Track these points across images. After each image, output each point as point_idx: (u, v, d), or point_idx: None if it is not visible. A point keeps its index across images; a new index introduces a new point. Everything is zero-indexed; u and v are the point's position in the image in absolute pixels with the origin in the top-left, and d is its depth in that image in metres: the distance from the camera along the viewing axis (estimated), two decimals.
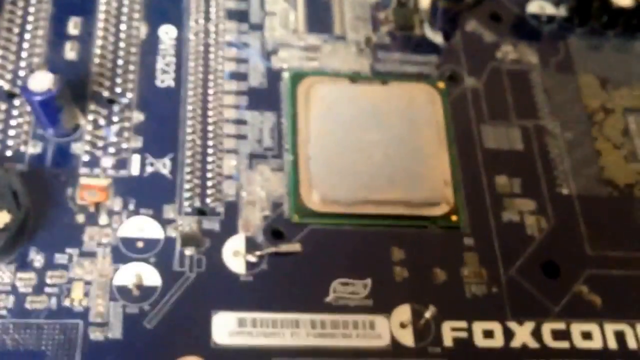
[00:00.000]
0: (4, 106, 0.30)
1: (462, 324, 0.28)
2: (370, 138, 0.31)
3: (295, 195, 0.30)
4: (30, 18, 0.32)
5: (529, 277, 0.30)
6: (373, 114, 0.32)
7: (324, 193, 0.30)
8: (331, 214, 0.30)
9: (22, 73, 0.31)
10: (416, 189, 0.30)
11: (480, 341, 0.28)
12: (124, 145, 0.30)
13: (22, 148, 0.29)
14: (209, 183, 0.30)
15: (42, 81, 0.27)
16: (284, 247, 0.29)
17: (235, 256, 0.28)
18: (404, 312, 0.28)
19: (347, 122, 0.31)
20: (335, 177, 0.30)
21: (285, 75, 0.33)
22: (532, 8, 0.38)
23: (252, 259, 0.28)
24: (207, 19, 0.34)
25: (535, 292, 0.30)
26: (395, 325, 0.28)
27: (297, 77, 0.33)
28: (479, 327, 0.28)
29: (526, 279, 0.30)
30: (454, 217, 0.30)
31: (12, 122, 0.30)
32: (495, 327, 0.29)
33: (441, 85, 0.34)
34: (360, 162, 0.30)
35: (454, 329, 0.28)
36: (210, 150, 0.30)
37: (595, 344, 0.29)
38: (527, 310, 0.29)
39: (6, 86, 0.30)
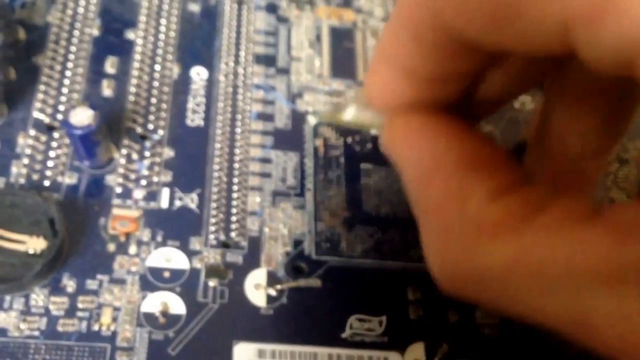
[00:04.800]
0: (44, 138, 0.31)
1: None
2: None
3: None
4: (71, 57, 0.34)
5: None
6: None
7: None
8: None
9: (61, 108, 0.32)
10: None
11: None
12: (155, 179, 0.31)
13: (59, 178, 0.30)
14: (234, 218, 0.31)
15: (83, 116, 0.29)
16: (304, 282, 0.30)
17: (256, 289, 0.29)
18: (418, 349, 0.29)
19: None
20: None
21: (311, 118, 0.34)
22: None
23: (273, 292, 0.29)
24: (237, 62, 0.36)
25: (548, 335, 0.30)
26: None
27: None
28: None
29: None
30: None
31: (51, 154, 0.31)
32: None
33: None
34: None
35: None
36: (235, 187, 0.32)
37: None
38: (540, 353, 0.30)
39: (47, 120, 0.32)
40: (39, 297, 0.27)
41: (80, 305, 0.28)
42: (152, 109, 0.33)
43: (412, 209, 0.22)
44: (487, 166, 0.20)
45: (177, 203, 0.31)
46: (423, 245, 0.21)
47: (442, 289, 0.21)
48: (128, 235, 0.29)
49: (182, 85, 0.34)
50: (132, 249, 0.29)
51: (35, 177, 0.30)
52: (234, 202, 0.31)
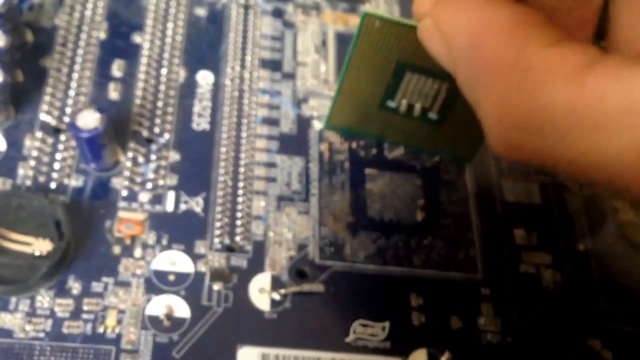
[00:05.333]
0: (50, 140, 0.31)
1: None
2: None
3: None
4: (78, 59, 0.34)
5: (543, 329, 0.31)
6: None
7: None
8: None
9: (68, 110, 0.32)
10: None
11: None
12: (160, 183, 0.31)
13: (66, 181, 0.31)
14: (239, 222, 0.31)
15: (90, 119, 0.29)
16: (307, 287, 0.30)
17: (260, 293, 0.29)
18: (420, 355, 0.29)
19: None
20: None
21: (316, 123, 0.34)
22: None
23: (277, 296, 0.29)
24: (243, 66, 0.36)
25: (548, 343, 0.30)
26: None
27: None
28: None
29: (540, 331, 0.31)
30: None
31: (57, 156, 0.31)
32: None
33: None
34: None
35: None
36: (240, 191, 0.32)
37: None
38: None
39: (53, 122, 0.32)
40: (44, 298, 0.28)
41: (85, 308, 0.28)
42: (159, 112, 0.33)
43: (463, 86, 0.22)
44: (541, 22, 0.20)
45: (183, 206, 0.31)
46: (480, 110, 0.21)
47: (501, 149, 0.20)
48: (133, 238, 0.30)
49: (188, 89, 0.34)
50: (138, 252, 0.29)
51: (41, 179, 0.30)
52: (239, 206, 0.31)
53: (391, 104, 0.31)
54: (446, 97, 0.31)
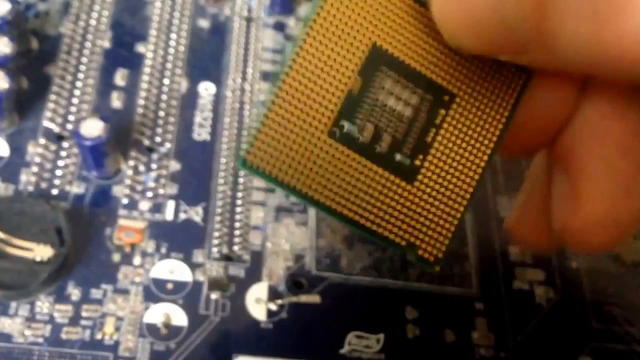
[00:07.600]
0: (53, 147, 0.32)
1: None
2: None
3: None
4: (82, 68, 0.34)
5: (535, 345, 0.31)
6: None
7: None
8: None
9: (71, 118, 0.33)
10: None
11: None
12: (161, 192, 0.32)
13: (67, 187, 0.31)
14: (237, 232, 0.31)
15: (93, 128, 0.29)
16: (304, 298, 0.30)
17: (257, 303, 0.30)
18: None
19: None
20: None
21: None
22: None
23: (273, 307, 0.30)
24: (244, 78, 0.36)
25: (541, 359, 0.31)
26: None
27: None
28: None
29: (532, 347, 0.31)
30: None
31: (60, 163, 0.31)
32: None
33: None
34: None
35: None
36: (239, 202, 0.32)
37: None
38: None
39: (57, 129, 0.32)
40: (44, 304, 0.28)
41: (84, 314, 0.28)
42: (160, 122, 0.34)
43: None
44: None
45: (182, 216, 0.31)
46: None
47: None
48: (133, 246, 0.30)
49: (189, 100, 0.35)
50: (137, 260, 0.30)
51: (43, 185, 0.31)
52: (238, 216, 0.32)
53: (349, 127, 0.21)
54: (426, 123, 0.22)
